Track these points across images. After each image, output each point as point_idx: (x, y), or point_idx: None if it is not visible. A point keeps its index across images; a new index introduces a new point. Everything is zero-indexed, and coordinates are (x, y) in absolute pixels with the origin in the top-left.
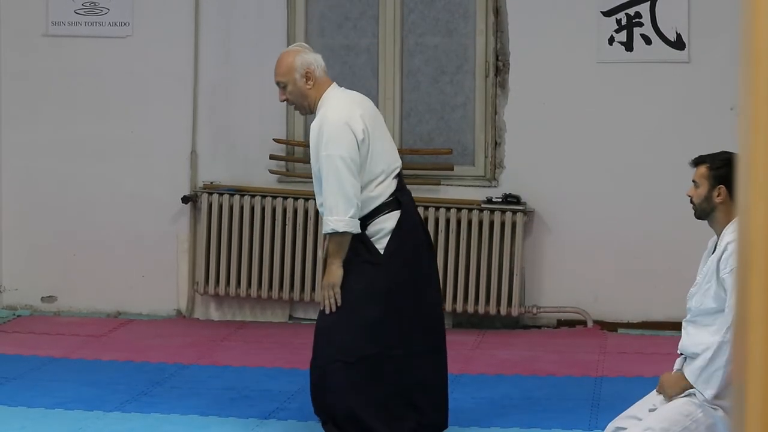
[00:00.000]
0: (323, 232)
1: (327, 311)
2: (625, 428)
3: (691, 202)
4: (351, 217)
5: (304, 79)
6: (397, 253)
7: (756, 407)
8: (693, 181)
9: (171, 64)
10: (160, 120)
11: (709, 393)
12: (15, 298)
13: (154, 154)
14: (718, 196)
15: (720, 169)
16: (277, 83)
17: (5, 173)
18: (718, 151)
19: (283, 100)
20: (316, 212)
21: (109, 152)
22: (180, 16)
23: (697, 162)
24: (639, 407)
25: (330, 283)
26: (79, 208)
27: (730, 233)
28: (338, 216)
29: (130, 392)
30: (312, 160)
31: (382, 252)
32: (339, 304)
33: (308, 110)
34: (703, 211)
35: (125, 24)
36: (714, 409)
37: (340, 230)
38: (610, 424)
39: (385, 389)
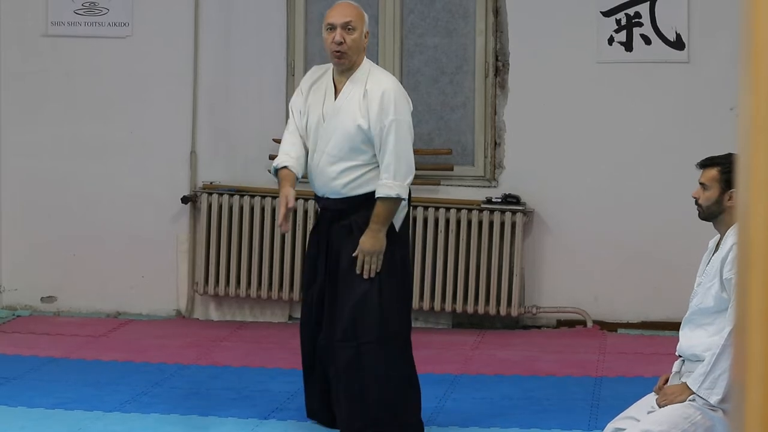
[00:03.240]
0: (379, 195)
1: (366, 276)
2: (624, 429)
3: (697, 203)
4: (408, 184)
5: (363, 36)
6: (406, 232)
7: (756, 407)
8: (701, 183)
9: (170, 64)
10: (159, 120)
11: (714, 399)
12: (15, 298)
13: (153, 154)
14: (729, 199)
15: (731, 172)
16: (346, 24)
17: (5, 173)
18: (723, 153)
19: (340, 42)
20: (316, 212)
21: (109, 152)
22: (180, 16)
23: (707, 164)
24: (638, 408)
25: (376, 250)
26: (79, 209)
27: (734, 234)
28: (400, 181)
29: (129, 392)
30: (358, 121)
31: (397, 230)
32: (378, 271)
33: (349, 65)
34: (711, 214)
35: (125, 24)
36: (713, 410)
37: (404, 196)
38: (609, 424)
39: (411, 370)
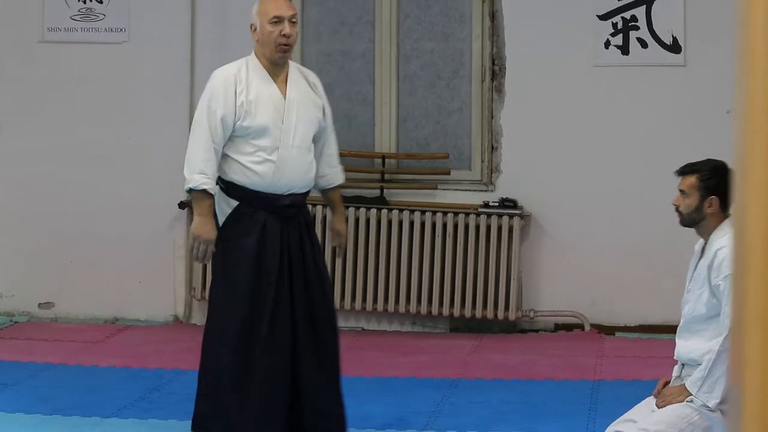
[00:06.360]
0: (340, 182)
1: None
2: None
3: (677, 210)
4: None
5: None
6: None
7: (753, 409)
8: (681, 190)
9: (167, 69)
10: (156, 126)
11: (713, 402)
12: (12, 304)
13: (150, 159)
14: (709, 206)
15: (710, 179)
16: (292, 16)
17: (2, 179)
18: (705, 158)
19: (289, 35)
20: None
21: (106, 158)
22: (176, 21)
23: (685, 171)
24: (637, 411)
25: (346, 232)
26: (76, 214)
27: (719, 239)
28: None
29: (127, 398)
30: (316, 112)
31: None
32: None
33: (288, 58)
34: (692, 221)
35: (121, 30)
36: (711, 411)
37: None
38: (609, 427)
39: None
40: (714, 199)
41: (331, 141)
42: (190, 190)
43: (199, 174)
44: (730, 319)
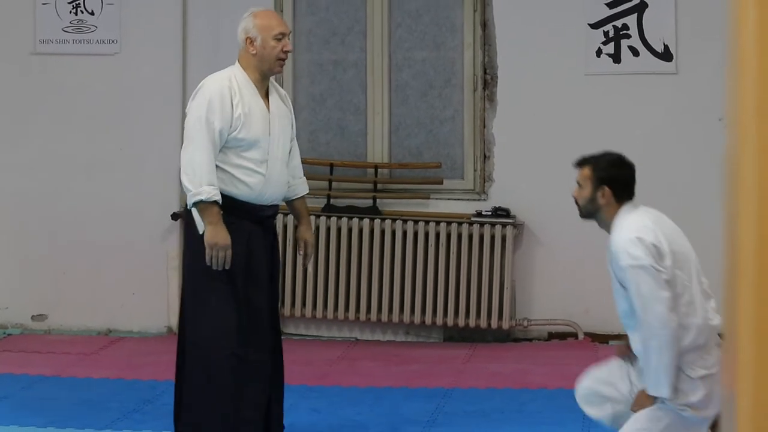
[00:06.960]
0: (306, 191)
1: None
2: (609, 396)
3: (576, 203)
4: None
5: None
6: None
7: (747, 414)
8: (577, 182)
9: (159, 80)
10: (149, 137)
11: (666, 392)
12: (5, 316)
13: (143, 170)
14: (602, 197)
15: (603, 170)
16: (289, 34)
17: None
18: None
19: (289, 51)
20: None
21: (99, 169)
22: (168, 32)
23: (581, 163)
24: (611, 372)
25: None
26: (69, 226)
27: (614, 231)
28: None
29: (121, 410)
30: (289, 125)
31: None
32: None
33: None
34: (588, 213)
35: (113, 41)
36: (682, 410)
37: None
38: (584, 382)
39: None
40: (606, 189)
41: (296, 152)
42: (200, 202)
43: (208, 185)
44: (639, 309)
